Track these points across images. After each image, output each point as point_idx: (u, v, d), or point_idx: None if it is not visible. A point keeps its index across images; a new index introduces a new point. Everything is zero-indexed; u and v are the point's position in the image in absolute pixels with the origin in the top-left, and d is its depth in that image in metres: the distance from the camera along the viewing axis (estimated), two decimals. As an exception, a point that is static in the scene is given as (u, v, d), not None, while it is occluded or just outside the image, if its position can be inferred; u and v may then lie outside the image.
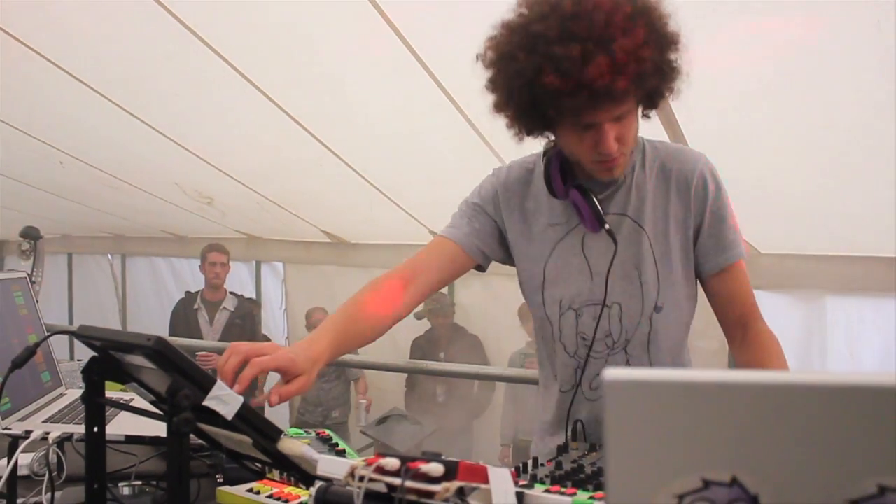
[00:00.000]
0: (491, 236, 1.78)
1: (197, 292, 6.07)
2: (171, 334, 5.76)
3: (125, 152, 5.40)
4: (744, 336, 1.69)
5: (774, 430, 0.54)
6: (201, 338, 5.74)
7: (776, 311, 4.84)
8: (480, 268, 1.80)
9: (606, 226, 1.62)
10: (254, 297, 6.99)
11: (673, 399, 0.56)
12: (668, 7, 1.49)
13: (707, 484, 0.56)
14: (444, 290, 5.95)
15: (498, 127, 1.72)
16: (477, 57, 1.57)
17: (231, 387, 1.25)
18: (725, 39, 3.24)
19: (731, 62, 3.35)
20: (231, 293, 6.03)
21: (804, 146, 3.75)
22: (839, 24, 3.04)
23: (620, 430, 0.57)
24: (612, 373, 0.57)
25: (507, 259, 1.82)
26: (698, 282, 1.73)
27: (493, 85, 1.56)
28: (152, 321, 7.65)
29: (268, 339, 6.34)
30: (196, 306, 5.94)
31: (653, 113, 1.65)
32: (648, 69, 1.44)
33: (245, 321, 5.91)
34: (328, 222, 6.22)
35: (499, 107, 1.58)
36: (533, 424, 1.90)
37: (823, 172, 3.89)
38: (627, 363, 1.69)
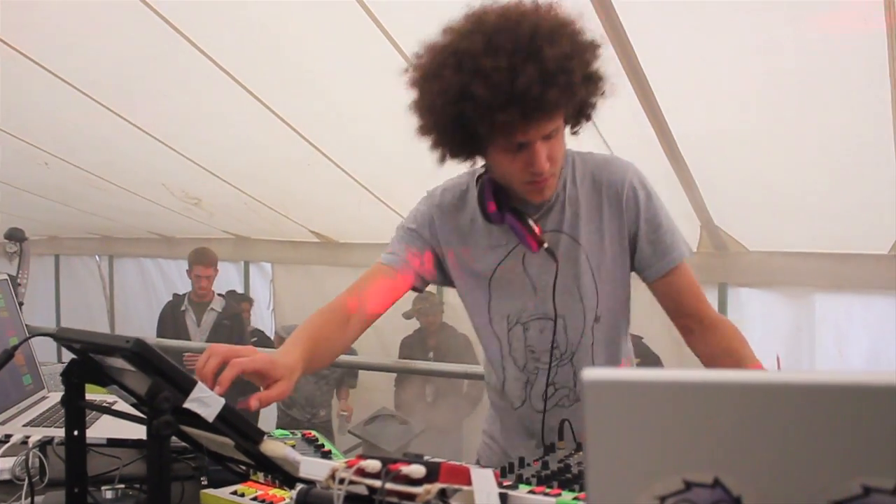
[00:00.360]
0: (428, 261, 1.78)
1: (184, 294, 6.06)
2: (158, 335, 5.75)
3: (111, 153, 5.36)
4: (701, 327, 1.70)
5: (757, 431, 0.53)
6: (189, 339, 5.72)
7: (765, 309, 4.85)
8: (416, 289, 1.81)
9: (545, 245, 1.63)
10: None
11: (654, 399, 0.55)
12: (579, 20, 1.49)
13: (689, 485, 0.54)
14: (433, 289, 5.94)
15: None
16: (405, 70, 1.54)
17: (212, 389, 1.24)
18: (715, 39, 3.24)
19: (721, 62, 3.35)
20: (218, 294, 6.01)
21: (793, 144, 3.76)
22: (827, 20, 3.04)
23: (600, 431, 0.56)
24: (592, 373, 0.56)
25: (445, 281, 1.82)
26: (647, 285, 1.74)
27: (417, 106, 1.54)
28: (141, 322, 7.62)
29: (261, 332, 6.33)
30: (183, 308, 5.93)
31: (583, 129, 1.64)
32: (577, 80, 1.44)
33: (233, 322, 5.89)
34: (316, 222, 6.20)
35: (423, 129, 1.56)
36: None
37: (812, 170, 3.90)
38: (574, 374, 1.71)
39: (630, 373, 0.56)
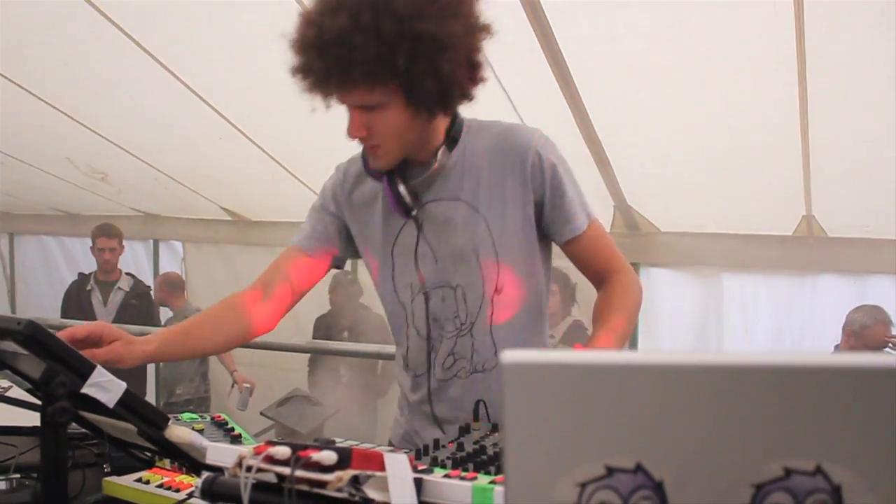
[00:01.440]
0: (336, 237, 1.77)
1: (90, 273, 5.84)
2: (63, 317, 5.53)
3: (11, 125, 5.12)
4: (602, 288, 1.72)
5: (679, 415, 0.52)
6: (95, 319, 5.51)
7: (675, 288, 4.96)
8: (337, 266, 1.82)
9: (414, 213, 1.63)
10: (151, 276, 6.77)
11: (574, 382, 0.53)
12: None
13: (611, 471, 0.53)
14: (347, 268, 5.88)
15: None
16: None
17: None
18: (628, 20, 3.26)
19: (634, 42, 3.39)
20: (127, 273, 5.82)
21: (703, 126, 3.83)
22: (739, 7, 3.10)
23: (519, 415, 0.54)
24: (511, 355, 0.53)
25: (357, 254, 1.81)
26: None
27: None
28: (42, 303, 7.34)
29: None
30: (89, 287, 5.72)
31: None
32: (359, 57, 1.38)
33: (141, 301, 5.71)
34: (229, 199, 6.06)
35: None
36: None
37: (721, 153, 3.99)
38: (473, 346, 1.69)
39: (550, 354, 0.54)
